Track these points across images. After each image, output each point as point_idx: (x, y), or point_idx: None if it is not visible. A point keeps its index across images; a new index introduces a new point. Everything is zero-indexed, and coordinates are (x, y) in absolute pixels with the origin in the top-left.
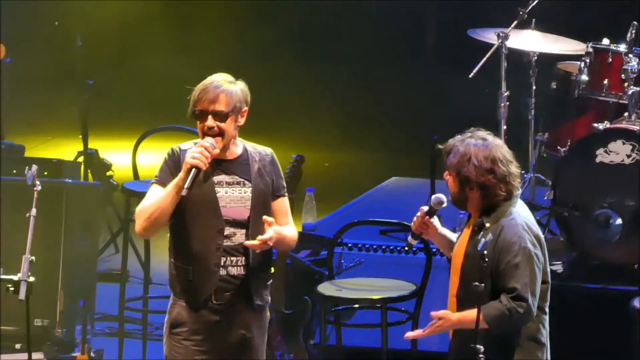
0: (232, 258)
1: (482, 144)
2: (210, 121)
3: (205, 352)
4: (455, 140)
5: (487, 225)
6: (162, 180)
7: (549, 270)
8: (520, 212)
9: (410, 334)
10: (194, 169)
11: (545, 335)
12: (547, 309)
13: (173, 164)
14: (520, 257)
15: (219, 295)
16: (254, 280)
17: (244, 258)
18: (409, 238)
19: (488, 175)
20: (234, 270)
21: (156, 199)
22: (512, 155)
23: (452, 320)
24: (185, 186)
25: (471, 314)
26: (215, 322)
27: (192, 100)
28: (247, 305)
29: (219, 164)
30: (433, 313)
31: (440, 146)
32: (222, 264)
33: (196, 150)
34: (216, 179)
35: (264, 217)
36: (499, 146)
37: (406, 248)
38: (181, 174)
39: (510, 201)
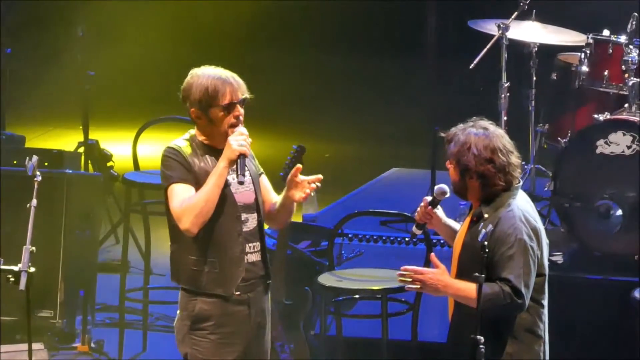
0: (249, 245)
1: (483, 133)
2: (241, 110)
3: (232, 344)
4: (457, 129)
5: (486, 215)
6: (183, 178)
7: (546, 263)
8: (520, 204)
9: (406, 268)
10: (242, 156)
11: (542, 329)
12: (544, 302)
13: (184, 160)
14: (515, 248)
15: (240, 285)
16: (267, 264)
17: (259, 244)
18: (413, 228)
19: (487, 164)
20: (252, 257)
21: (202, 193)
22: (513, 145)
23: (445, 280)
24: (241, 173)
25: (466, 284)
26: (240, 312)
27: (217, 95)
28: (263, 291)
29: (218, 153)
30: (433, 256)
31: (442, 134)
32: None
33: (240, 138)
34: None
35: (297, 165)
36: (499, 136)
37: (407, 239)
38: (224, 164)
39: (510, 192)
